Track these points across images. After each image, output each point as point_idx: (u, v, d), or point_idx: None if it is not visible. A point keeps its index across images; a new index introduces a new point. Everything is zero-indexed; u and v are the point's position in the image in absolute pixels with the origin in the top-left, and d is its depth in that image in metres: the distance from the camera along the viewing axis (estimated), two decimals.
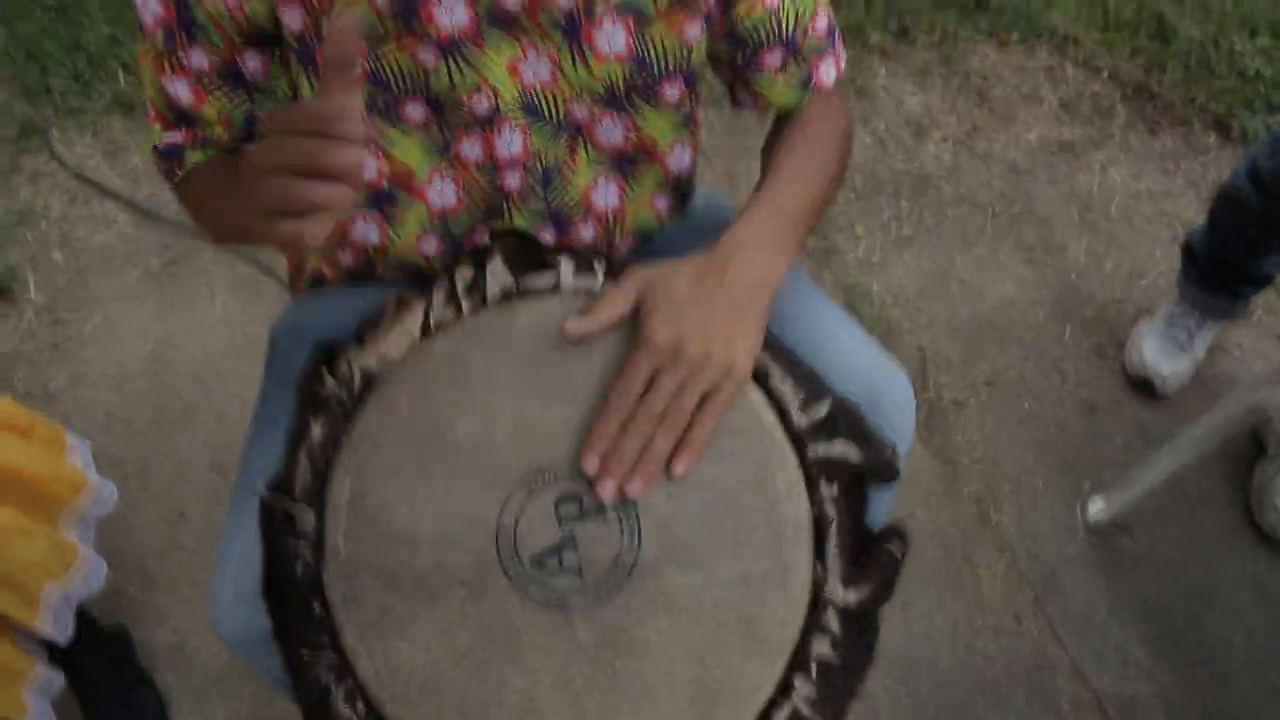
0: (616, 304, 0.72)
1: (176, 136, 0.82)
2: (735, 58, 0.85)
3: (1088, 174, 2.11)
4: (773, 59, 0.85)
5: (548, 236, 0.91)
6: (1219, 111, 2.22)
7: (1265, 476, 1.58)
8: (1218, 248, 1.64)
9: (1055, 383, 1.76)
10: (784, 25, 0.83)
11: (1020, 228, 2.01)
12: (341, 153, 0.52)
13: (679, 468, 0.69)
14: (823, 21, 0.86)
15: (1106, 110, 2.24)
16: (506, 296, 0.76)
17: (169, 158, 0.83)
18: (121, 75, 2.16)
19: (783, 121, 0.91)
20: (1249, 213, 1.54)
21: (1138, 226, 2.02)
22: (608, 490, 0.68)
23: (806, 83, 0.87)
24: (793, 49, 0.85)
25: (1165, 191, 2.09)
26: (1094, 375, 1.77)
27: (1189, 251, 1.71)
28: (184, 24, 0.74)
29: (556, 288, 0.76)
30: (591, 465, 0.69)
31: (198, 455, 1.62)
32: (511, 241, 0.77)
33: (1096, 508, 1.57)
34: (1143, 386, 1.73)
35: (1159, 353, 1.70)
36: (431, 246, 0.89)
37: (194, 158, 0.83)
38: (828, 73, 0.88)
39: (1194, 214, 2.02)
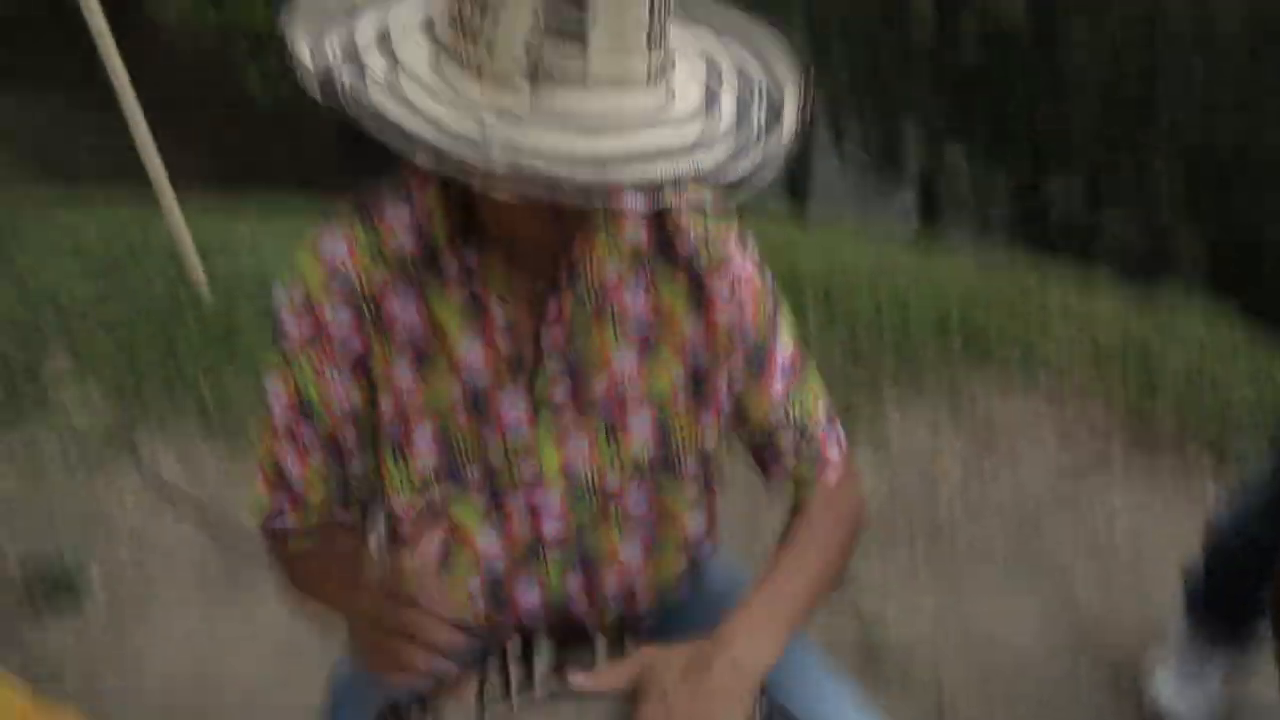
0: (618, 676, 0.87)
1: (281, 512, 0.99)
2: (754, 441, 1.03)
3: (1092, 505, 2.24)
4: (785, 440, 1.01)
5: (576, 585, 1.04)
6: (1211, 437, 2.36)
7: None
8: (1214, 588, 1.71)
9: (1074, 718, 1.78)
10: (790, 413, 1.00)
11: (1031, 564, 2.11)
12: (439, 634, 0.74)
13: None
14: (822, 409, 1.03)
15: (1105, 440, 2.40)
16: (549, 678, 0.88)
17: (274, 536, 1.01)
18: (206, 390, 2.40)
19: (796, 510, 1.05)
20: (1237, 558, 1.63)
21: (1145, 555, 2.11)
22: None
23: (815, 459, 1.03)
24: (800, 431, 1.02)
25: (1169, 517, 2.20)
26: (1112, 709, 1.80)
27: (1189, 587, 1.78)
28: (301, 409, 0.93)
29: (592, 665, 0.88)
30: None
31: None
32: (555, 627, 0.90)
33: None
34: None
35: (1175, 695, 1.73)
36: (475, 586, 1.03)
37: (295, 545, 1.00)
38: (833, 451, 1.04)
39: (1198, 539, 2.11)
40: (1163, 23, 6.78)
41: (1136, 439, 2.40)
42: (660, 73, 0.71)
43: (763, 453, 1.03)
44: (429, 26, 0.74)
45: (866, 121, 9.32)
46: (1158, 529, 2.17)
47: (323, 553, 0.99)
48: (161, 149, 2.55)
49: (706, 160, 0.69)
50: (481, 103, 0.68)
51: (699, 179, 0.69)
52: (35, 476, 2.19)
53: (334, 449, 0.95)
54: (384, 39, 0.74)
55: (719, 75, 0.77)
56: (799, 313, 2.65)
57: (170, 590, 1.98)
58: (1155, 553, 2.11)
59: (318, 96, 0.70)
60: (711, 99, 0.74)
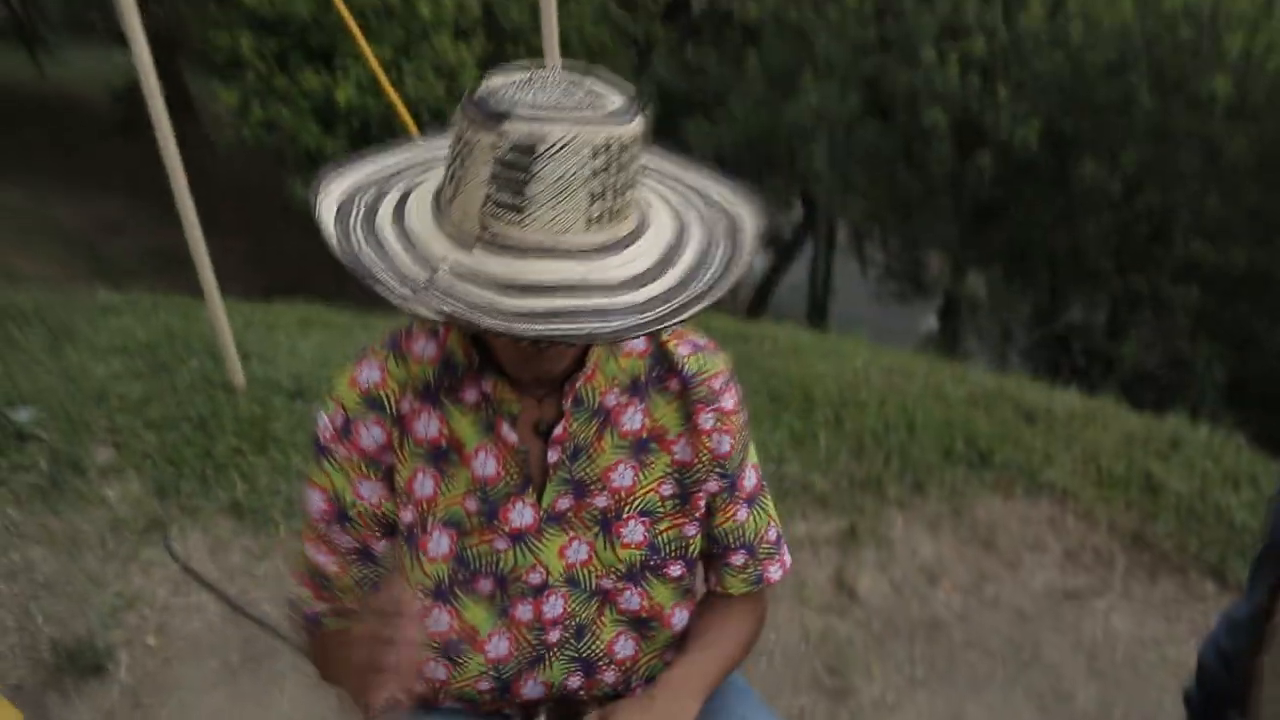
0: None
1: (321, 606, 1.10)
2: (710, 549, 1.15)
3: (1092, 620, 2.27)
4: (736, 559, 1.14)
5: (576, 680, 1.13)
6: (1213, 560, 2.41)
7: None
8: (1206, 705, 1.73)
9: None
10: (746, 534, 1.13)
11: (1030, 675, 2.14)
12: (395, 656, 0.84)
13: None
14: (773, 533, 1.16)
15: (1107, 559, 2.45)
16: None
17: (311, 623, 1.12)
18: (239, 483, 2.52)
19: (714, 598, 1.18)
20: (1222, 688, 1.66)
21: (1144, 674, 2.14)
22: None
23: (758, 579, 1.16)
24: (751, 552, 1.15)
25: (1169, 637, 2.23)
26: None
27: (1189, 707, 1.80)
28: (338, 516, 1.06)
29: None
30: None
31: None
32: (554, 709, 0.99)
33: None
34: None
35: None
36: (484, 685, 1.13)
37: (329, 625, 1.11)
38: (775, 572, 1.17)
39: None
40: (1175, 152, 7.00)
41: (1138, 562, 2.44)
42: (605, 247, 0.83)
43: (712, 559, 1.16)
44: (439, 194, 0.89)
45: (890, 251, 9.59)
46: (1157, 652, 2.20)
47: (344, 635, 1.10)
48: (209, 254, 2.73)
49: (609, 325, 0.80)
50: (437, 258, 0.83)
51: (604, 340, 0.82)
52: (73, 561, 2.29)
53: (365, 553, 1.07)
54: (403, 199, 0.90)
55: (680, 249, 0.89)
56: (811, 423, 2.76)
57: (194, 676, 2.05)
58: (1154, 676, 2.14)
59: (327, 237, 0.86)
60: (662, 267, 0.86)
